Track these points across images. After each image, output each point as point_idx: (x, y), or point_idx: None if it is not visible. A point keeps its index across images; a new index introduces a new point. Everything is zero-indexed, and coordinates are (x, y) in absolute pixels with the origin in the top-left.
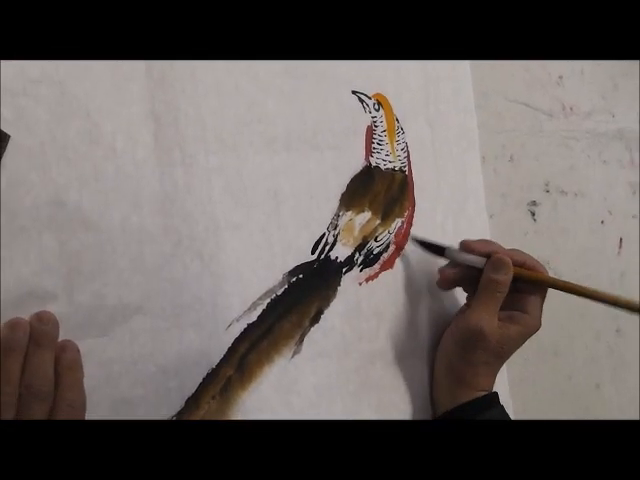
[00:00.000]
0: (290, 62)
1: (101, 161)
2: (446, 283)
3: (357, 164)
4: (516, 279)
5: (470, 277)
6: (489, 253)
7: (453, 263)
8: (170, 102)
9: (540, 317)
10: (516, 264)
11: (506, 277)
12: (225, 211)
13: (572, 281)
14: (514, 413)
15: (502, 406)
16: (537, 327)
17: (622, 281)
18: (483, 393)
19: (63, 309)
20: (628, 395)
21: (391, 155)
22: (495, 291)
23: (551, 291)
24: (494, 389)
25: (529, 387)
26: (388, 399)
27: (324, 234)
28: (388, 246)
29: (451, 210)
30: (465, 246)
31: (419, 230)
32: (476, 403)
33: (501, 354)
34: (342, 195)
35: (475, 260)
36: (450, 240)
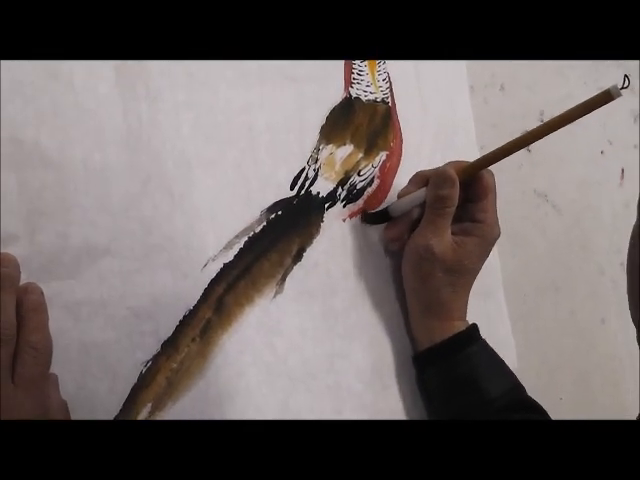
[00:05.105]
0: None
1: (60, 96)
2: (397, 242)
3: (336, 95)
4: (466, 183)
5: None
6: (428, 179)
7: (398, 219)
8: None
9: (497, 222)
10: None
11: (451, 190)
12: (196, 147)
13: (573, 214)
14: (516, 352)
15: (483, 340)
16: (496, 234)
17: (626, 213)
18: (459, 324)
19: (25, 251)
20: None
21: (372, 86)
22: (442, 207)
23: (548, 222)
24: (495, 327)
25: (530, 324)
26: (380, 338)
27: (304, 168)
28: (372, 180)
29: (439, 143)
30: (402, 193)
31: (406, 165)
32: (454, 341)
33: (463, 271)
34: (322, 128)
35: (418, 195)
36: None
